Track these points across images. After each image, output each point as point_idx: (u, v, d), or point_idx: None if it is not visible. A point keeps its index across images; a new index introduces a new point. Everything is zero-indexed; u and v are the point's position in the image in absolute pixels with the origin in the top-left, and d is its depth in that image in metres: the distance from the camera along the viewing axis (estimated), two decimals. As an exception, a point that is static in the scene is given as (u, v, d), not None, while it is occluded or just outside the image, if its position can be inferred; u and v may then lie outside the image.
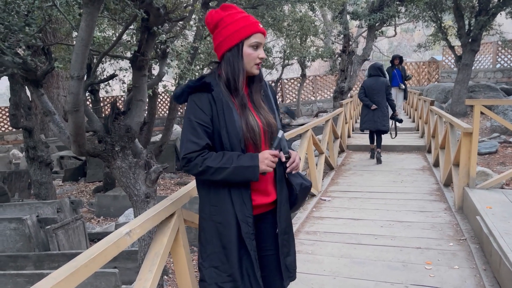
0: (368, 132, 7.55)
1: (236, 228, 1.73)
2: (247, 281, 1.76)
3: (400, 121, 7.50)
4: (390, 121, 7.28)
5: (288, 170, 1.78)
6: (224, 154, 1.69)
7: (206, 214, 1.81)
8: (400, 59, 10.38)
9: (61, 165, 10.83)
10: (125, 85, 6.15)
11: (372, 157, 7.69)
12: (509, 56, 15.51)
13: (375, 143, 7.44)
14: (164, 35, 2.68)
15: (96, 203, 6.69)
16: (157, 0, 2.57)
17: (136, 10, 2.41)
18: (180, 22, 3.43)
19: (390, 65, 10.68)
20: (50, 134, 12.71)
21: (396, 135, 7.77)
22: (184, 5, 2.86)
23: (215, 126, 1.70)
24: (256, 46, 1.71)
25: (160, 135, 9.61)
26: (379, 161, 7.25)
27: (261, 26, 1.74)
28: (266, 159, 1.67)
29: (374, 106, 7.01)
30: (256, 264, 1.77)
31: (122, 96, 17.14)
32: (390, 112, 7.23)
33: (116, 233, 1.76)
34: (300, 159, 1.86)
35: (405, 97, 10.64)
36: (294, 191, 1.86)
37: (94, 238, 5.05)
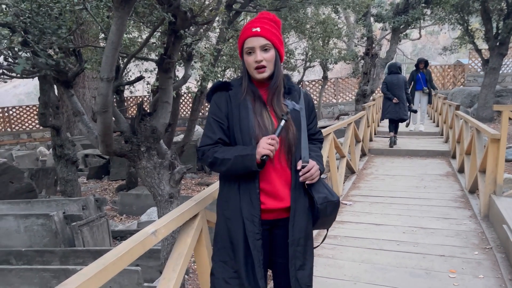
0: (388, 121, 8.81)
1: (242, 225, 1.78)
2: (251, 279, 1.78)
3: (415, 111, 9.35)
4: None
5: (301, 179, 1.76)
6: (232, 148, 1.77)
7: (219, 208, 1.89)
8: (426, 63, 10.20)
9: (86, 163, 11.08)
10: (149, 86, 6.25)
11: (391, 145, 8.75)
12: (539, 60, 15.06)
13: (393, 131, 8.75)
14: (190, 38, 2.73)
15: (119, 201, 6.82)
16: (184, 4, 2.61)
17: (164, 13, 2.45)
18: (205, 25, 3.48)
19: (415, 68, 10.50)
20: (76, 133, 13.02)
21: (409, 124, 9.79)
22: (210, 8, 2.90)
23: (230, 122, 1.79)
24: (250, 51, 1.75)
25: (182, 135, 9.73)
26: (395, 144, 8.74)
27: (258, 29, 1.74)
28: (262, 142, 1.68)
29: (396, 100, 8.30)
30: (259, 264, 1.76)
31: (145, 96, 17.42)
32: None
33: (142, 233, 1.80)
34: (320, 170, 1.81)
35: (429, 101, 10.42)
36: (315, 203, 1.81)
37: (117, 235, 5.15)
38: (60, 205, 4.87)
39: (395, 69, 8.55)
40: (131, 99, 18.34)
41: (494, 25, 11.65)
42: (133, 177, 7.92)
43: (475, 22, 13.93)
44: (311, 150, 1.89)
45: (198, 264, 2.35)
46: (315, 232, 2.04)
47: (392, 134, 8.78)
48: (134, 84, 6.17)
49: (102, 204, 5.22)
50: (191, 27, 2.82)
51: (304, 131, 1.85)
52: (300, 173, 1.76)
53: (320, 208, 1.81)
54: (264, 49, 1.75)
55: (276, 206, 1.81)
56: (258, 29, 1.74)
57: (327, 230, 2.06)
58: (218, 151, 1.76)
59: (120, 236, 5.21)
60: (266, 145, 1.67)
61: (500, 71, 12.68)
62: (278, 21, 1.83)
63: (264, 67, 1.75)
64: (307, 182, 1.79)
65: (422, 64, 10.23)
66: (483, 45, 13.22)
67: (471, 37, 12.69)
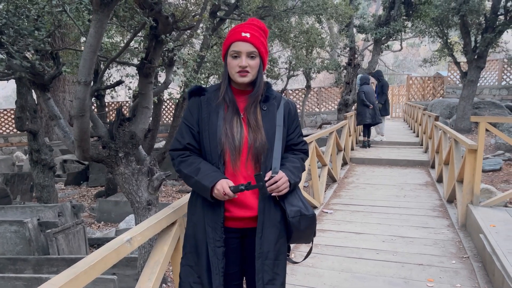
0: (363, 127, 10.02)
1: (205, 231, 1.77)
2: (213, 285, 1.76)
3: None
4: None
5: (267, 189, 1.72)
6: (197, 163, 1.76)
7: (188, 213, 1.90)
8: (376, 79, 10.73)
9: (64, 169, 10.84)
10: (131, 91, 6.18)
11: (364, 147, 10.09)
12: (515, 73, 15.49)
13: (366, 136, 10.09)
14: (171, 43, 2.70)
15: (97, 208, 6.67)
16: (166, 9, 2.59)
17: (145, 18, 2.42)
18: (188, 31, 3.46)
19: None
20: (54, 138, 12.75)
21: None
22: (193, 14, 2.88)
23: (200, 128, 1.80)
24: (235, 55, 1.74)
25: (164, 142, 9.62)
26: (369, 146, 10.08)
27: (248, 35, 1.73)
28: (218, 189, 1.68)
29: (371, 106, 9.60)
30: (217, 272, 1.74)
31: (127, 102, 17.22)
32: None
33: (116, 240, 1.75)
34: (289, 183, 1.75)
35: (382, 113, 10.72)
36: (287, 216, 1.76)
37: (94, 243, 5.03)
38: (34, 211, 4.74)
39: (368, 81, 9.98)
40: (112, 104, 18.10)
41: (473, 38, 11.95)
42: (112, 183, 7.78)
43: (454, 36, 14.31)
44: (289, 161, 1.84)
45: (175, 273, 2.30)
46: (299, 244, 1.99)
47: (366, 138, 10.08)
48: (116, 89, 6.09)
49: (79, 211, 5.10)
50: (173, 32, 2.79)
51: (279, 141, 1.79)
52: (267, 184, 1.71)
53: (293, 222, 1.76)
54: (251, 56, 1.74)
55: (243, 215, 1.78)
56: (248, 35, 1.73)
57: (312, 246, 1.97)
58: (184, 163, 1.79)
59: (97, 244, 5.08)
60: (218, 194, 1.69)
61: (478, 84, 12.99)
62: (266, 30, 1.83)
63: (247, 72, 1.74)
64: (273, 194, 1.73)
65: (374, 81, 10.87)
66: (461, 58, 13.55)
67: (450, 50, 12.99)
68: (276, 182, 1.71)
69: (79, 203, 5.67)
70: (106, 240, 5.15)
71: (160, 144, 11.27)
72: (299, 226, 1.78)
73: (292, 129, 1.90)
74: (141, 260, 2.91)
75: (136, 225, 2.93)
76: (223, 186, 1.67)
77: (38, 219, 4.36)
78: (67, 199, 7.61)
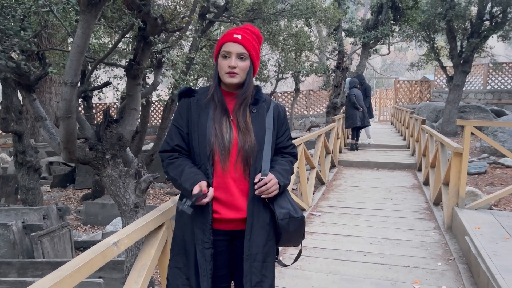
0: (352, 130, 10.27)
1: (193, 233, 1.77)
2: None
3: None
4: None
5: (256, 192, 1.73)
6: (183, 165, 1.78)
7: (177, 215, 1.89)
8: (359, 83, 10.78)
9: (50, 171, 10.69)
10: (119, 93, 6.13)
11: (352, 149, 10.18)
12: (499, 78, 15.78)
13: (355, 139, 10.26)
14: (160, 45, 2.69)
15: (83, 211, 6.59)
16: (155, 10, 2.58)
17: (133, 19, 2.41)
18: (177, 33, 3.45)
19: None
20: (40, 139, 12.57)
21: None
22: (182, 16, 2.88)
23: (189, 129, 1.80)
24: (226, 55, 1.76)
25: (152, 144, 9.55)
26: (357, 149, 10.18)
27: (239, 36, 1.75)
28: (195, 188, 1.69)
29: (361, 109, 9.75)
30: (205, 273, 1.74)
31: (115, 103, 17.08)
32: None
33: (103, 243, 1.73)
34: (280, 184, 1.76)
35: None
36: (276, 219, 1.77)
37: (80, 246, 4.96)
38: (19, 214, 4.66)
39: (357, 84, 10.09)
40: (100, 106, 17.94)
41: (459, 43, 12.15)
42: (99, 185, 7.69)
43: (440, 40, 14.51)
44: (278, 163, 1.85)
45: (162, 275, 2.28)
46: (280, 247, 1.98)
47: (354, 141, 10.27)
48: (104, 91, 6.03)
49: (65, 214, 5.03)
50: (161, 34, 2.78)
51: (268, 144, 1.80)
52: (256, 186, 1.72)
53: (281, 224, 1.76)
54: (240, 57, 1.75)
55: (233, 217, 1.78)
56: (239, 37, 1.75)
57: (301, 249, 1.98)
58: (172, 165, 1.80)
59: (83, 247, 5.01)
60: (198, 192, 1.68)
61: (464, 88, 13.20)
62: (260, 36, 1.84)
63: (236, 73, 1.74)
64: (263, 196, 1.74)
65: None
66: (448, 63, 13.75)
67: (437, 55, 13.18)
68: (266, 184, 1.71)
69: (65, 205, 5.60)
70: (93, 243, 5.09)
71: (148, 146, 11.20)
72: (288, 228, 1.79)
73: (281, 132, 1.91)
74: (128, 263, 2.88)
75: (123, 227, 2.91)
76: (201, 185, 1.69)
77: (23, 222, 4.28)
78: (52, 202, 7.51)
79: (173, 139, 1.82)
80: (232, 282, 1.95)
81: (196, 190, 1.69)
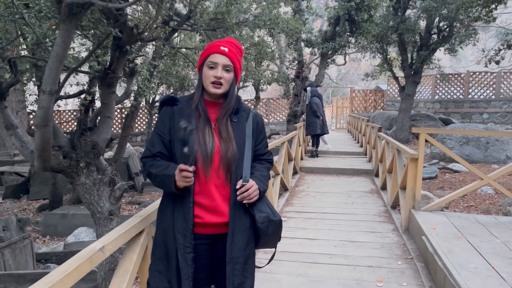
0: (312, 137, 10.66)
1: (175, 238, 1.82)
2: None
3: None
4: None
5: (238, 198, 1.81)
6: (166, 164, 1.84)
7: (158, 219, 1.94)
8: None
9: (1, 182, 10.17)
10: (80, 99, 6.00)
11: (313, 156, 10.54)
12: (446, 88, 16.81)
13: (315, 145, 10.63)
14: (135, 54, 2.73)
15: (42, 222, 6.36)
16: (130, 20, 2.62)
17: (110, 28, 2.44)
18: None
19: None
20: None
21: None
22: (155, 26, 2.93)
23: (172, 136, 1.85)
24: (212, 66, 1.84)
25: (111, 152, 9.35)
26: (317, 156, 10.59)
27: (226, 49, 1.84)
28: (177, 174, 1.74)
29: (321, 117, 10.21)
30: (186, 277, 1.79)
31: (74, 110, 16.57)
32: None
33: (89, 249, 1.76)
34: (260, 190, 1.85)
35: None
36: (256, 222, 1.85)
37: (42, 258, 4.80)
38: (-24, 226, 4.45)
39: (317, 93, 10.50)
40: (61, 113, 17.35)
41: (409, 55, 12.84)
42: (58, 196, 7.45)
43: (393, 52, 15.23)
44: (257, 170, 1.95)
45: (142, 282, 2.31)
46: (258, 250, 2.07)
47: (315, 148, 10.65)
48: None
49: (25, 225, 4.86)
50: (136, 43, 2.82)
51: (248, 151, 1.89)
52: (238, 192, 1.81)
53: (261, 227, 1.85)
54: (226, 69, 1.84)
55: (215, 221, 1.85)
56: (227, 50, 1.83)
57: (275, 250, 2.07)
58: (154, 166, 1.84)
59: (45, 259, 4.86)
60: (180, 178, 1.73)
61: (415, 97, 13.95)
62: (242, 50, 1.94)
63: (221, 84, 1.83)
64: (244, 201, 1.83)
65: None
66: (400, 73, 14.48)
67: (390, 65, 13.85)
68: (247, 190, 1.81)
69: (26, 216, 5.38)
70: (55, 254, 4.94)
71: (107, 155, 10.92)
72: (267, 231, 1.88)
73: (259, 140, 2.01)
74: (101, 272, 2.86)
75: (97, 236, 2.89)
76: (180, 167, 1.73)
77: (-19, 234, 4.11)
78: (6, 214, 7.17)
79: (155, 146, 1.87)
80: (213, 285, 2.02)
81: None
